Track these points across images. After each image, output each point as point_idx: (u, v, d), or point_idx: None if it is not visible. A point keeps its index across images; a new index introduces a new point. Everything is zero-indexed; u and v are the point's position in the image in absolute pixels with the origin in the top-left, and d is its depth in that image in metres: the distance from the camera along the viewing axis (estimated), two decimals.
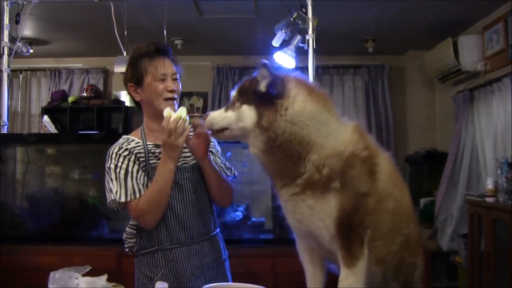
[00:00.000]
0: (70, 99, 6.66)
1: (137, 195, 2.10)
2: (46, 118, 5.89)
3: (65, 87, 6.96)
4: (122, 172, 2.12)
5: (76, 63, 7.05)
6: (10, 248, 3.44)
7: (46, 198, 3.88)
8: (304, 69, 3.93)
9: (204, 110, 6.78)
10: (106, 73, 7.09)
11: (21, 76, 7.04)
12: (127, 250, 2.27)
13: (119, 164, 2.13)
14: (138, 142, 2.22)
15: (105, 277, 1.83)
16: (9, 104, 4.11)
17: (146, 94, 2.22)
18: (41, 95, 7.08)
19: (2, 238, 3.58)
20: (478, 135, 5.30)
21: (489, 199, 4.18)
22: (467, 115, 5.36)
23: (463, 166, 5.36)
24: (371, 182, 1.61)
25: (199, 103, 6.90)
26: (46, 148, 4.05)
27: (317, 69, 3.86)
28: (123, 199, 2.09)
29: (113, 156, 2.16)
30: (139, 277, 2.19)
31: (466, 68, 5.22)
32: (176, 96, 2.22)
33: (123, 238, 2.27)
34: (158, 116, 2.15)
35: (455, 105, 5.61)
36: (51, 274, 1.91)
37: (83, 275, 1.93)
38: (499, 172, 4.21)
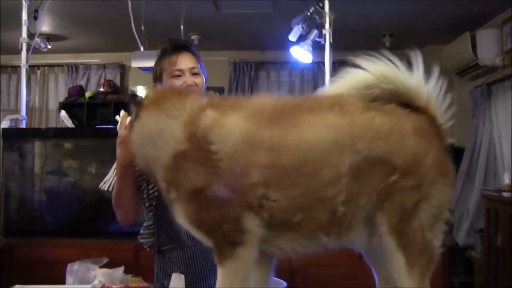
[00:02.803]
0: (87, 94, 6.72)
1: (108, 188, 2.17)
2: (63, 113, 5.94)
3: (82, 82, 7.02)
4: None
5: (93, 59, 7.10)
6: (28, 241, 3.51)
7: (64, 192, 3.92)
8: (321, 64, 3.92)
9: None
10: (123, 69, 7.13)
11: (38, 72, 7.11)
12: (147, 249, 2.27)
13: None
14: None
15: (121, 269, 1.86)
16: (27, 99, 4.16)
17: None
18: (58, 90, 7.15)
19: (21, 231, 3.65)
20: (495, 130, 5.28)
21: (506, 194, 4.17)
22: (484, 110, 5.33)
23: (480, 161, 5.33)
24: (208, 170, 1.45)
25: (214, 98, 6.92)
26: (64, 142, 4.09)
27: (334, 64, 3.86)
28: (105, 188, 2.17)
29: None
30: (158, 272, 2.20)
31: (484, 63, 5.18)
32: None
33: (139, 238, 2.27)
34: None
35: (472, 99, 5.58)
36: (69, 266, 1.95)
37: (100, 267, 1.96)
38: None
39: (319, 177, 1.43)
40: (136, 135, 1.62)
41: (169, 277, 2.12)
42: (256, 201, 1.43)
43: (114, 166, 2.16)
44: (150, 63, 4.06)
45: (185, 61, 2.21)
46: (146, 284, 1.45)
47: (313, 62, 5.59)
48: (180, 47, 2.26)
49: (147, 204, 2.17)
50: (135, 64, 4.17)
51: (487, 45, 5.17)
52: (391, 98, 1.54)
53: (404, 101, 1.54)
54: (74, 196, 3.89)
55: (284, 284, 1.97)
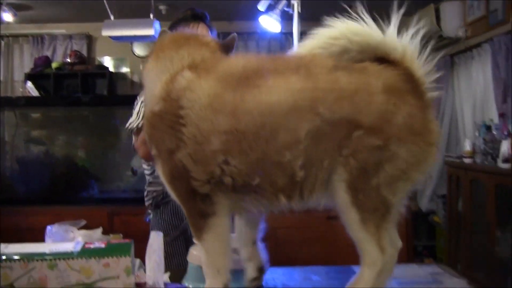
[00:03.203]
0: (54, 65, 6.64)
1: (136, 126, 2.34)
2: (29, 84, 5.91)
3: (48, 53, 6.92)
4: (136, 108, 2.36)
5: (59, 29, 6.99)
6: (3, 209, 3.53)
7: (36, 160, 3.95)
8: (289, 34, 3.96)
9: None
10: (90, 39, 7.04)
11: (3, 42, 6.99)
12: (151, 203, 2.46)
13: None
14: None
15: (100, 230, 1.91)
16: None
17: None
18: (23, 61, 7.03)
19: None
20: (457, 99, 5.45)
21: (467, 160, 4.31)
22: (447, 80, 5.47)
23: (442, 129, 5.49)
24: (176, 135, 1.48)
25: None
26: (35, 111, 4.10)
27: (301, 34, 3.90)
28: (135, 125, 2.34)
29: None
30: (161, 226, 2.40)
31: (448, 34, 5.29)
32: None
33: (145, 194, 2.49)
34: None
35: (436, 70, 5.71)
36: (48, 228, 1.98)
37: (78, 229, 2.01)
38: (477, 134, 4.35)
39: (276, 141, 1.42)
40: (144, 80, 1.66)
41: (175, 228, 2.28)
42: (218, 169, 1.46)
43: (137, 108, 2.37)
44: (122, 32, 4.09)
45: (202, 31, 2.40)
46: (127, 241, 1.51)
47: (281, 33, 5.63)
48: (199, 17, 2.46)
49: None
50: (106, 33, 4.15)
51: (451, 17, 5.28)
52: (364, 54, 1.52)
53: (379, 56, 1.51)
54: (47, 165, 3.92)
55: None
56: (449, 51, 5.44)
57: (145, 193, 2.52)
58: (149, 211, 2.54)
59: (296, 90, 1.44)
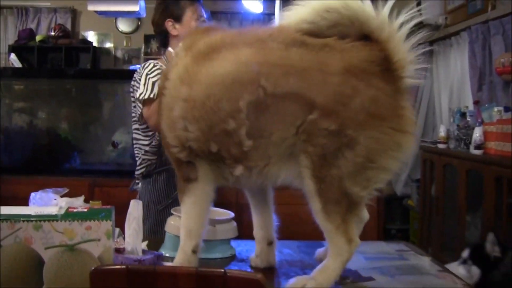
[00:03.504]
0: (38, 38, 6.67)
1: (153, 96, 2.42)
2: (13, 56, 5.93)
3: (32, 26, 6.95)
4: (152, 80, 2.45)
5: (44, 2, 7.01)
6: None
7: (20, 131, 4.02)
8: (272, 15, 4.02)
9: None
10: (74, 13, 7.07)
11: None
12: (141, 173, 2.58)
13: (153, 74, 2.47)
14: None
15: (82, 198, 1.97)
16: None
17: (184, 30, 2.59)
18: (7, 33, 7.03)
19: None
20: (435, 85, 5.56)
21: (441, 146, 4.42)
22: (426, 66, 5.57)
23: (420, 115, 5.60)
24: (161, 103, 1.70)
25: None
26: (20, 83, 4.15)
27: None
28: (146, 96, 2.43)
29: (150, 67, 2.51)
30: (153, 194, 2.54)
31: (428, 22, 5.37)
32: None
33: (139, 163, 2.60)
34: None
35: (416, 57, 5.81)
36: (32, 194, 2.04)
37: (61, 196, 2.08)
38: (451, 121, 4.46)
39: (219, 110, 1.51)
40: None
41: (167, 197, 2.43)
42: (182, 134, 1.59)
43: (143, 80, 2.48)
44: (107, 7, 4.13)
45: (202, 10, 2.66)
46: (108, 207, 1.60)
47: (264, 13, 5.68)
48: None
49: None
50: (92, 7, 4.19)
51: (431, 4, 5.36)
52: (351, 30, 1.51)
53: (366, 33, 1.50)
54: (30, 135, 4.00)
55: (232, 214, 2.15)
56: (429, 38, 5.54)
57: (138, 162, 2.61)
58: (137, 181, 2.64)
59: (243, 63, 1.52)
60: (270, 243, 1.92)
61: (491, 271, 2.72)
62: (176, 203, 2.52)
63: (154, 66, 2.55)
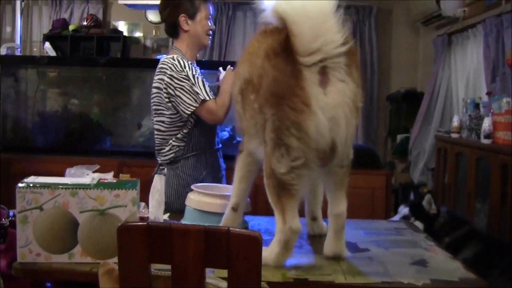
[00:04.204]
0: (71, 27, 6.91)
1: (211, 96, 2.63)
2: (47, 44, 6.18)
3: (65, 15, 7.18)
4: (200, 79, 2.64)
5: None
6: (23, 156, 3.91)
7: (55, 114, 4.30)
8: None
9: None
10: (105, 4, 7.29)
11: (22, 3, 7.27)
12: (169, 159, 2.74)
13: (195, 74, 2.65)
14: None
15: (111, 173, 2.20)
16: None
17: (196, 27, 2.75)
18: (42, 22, 7.30)
19: (17, 148, 4.02)
20: (453, 76, 5.68)
21: (454, 135, 4.56)
22: (444, 58, 5.71)
23: (437, 105, 5.75)
24: None
25: None
26: (55, 70, 4.42)
27: None
28: (207, 98, 2.60)
29: (186, 67, 2.65)
30: (181, 178, 2.72)
31: (446, 14, 5.48)
32: None
33: (168, 148, 2.74)
34: (197, 45, 2.80)
35: (434, 48, 5.95)
36: (67, 170, 2.27)
37: (93, 172, 2.31)
38: (464, 111, 4.61)
39: None
40: None
41: (195, 180, 2.68)
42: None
43: (193, 81, 2.64)
44: (136, 1, 4.37)
45: (212, 9, 2.86)
46: (134, 179, 1.84)
47: None
48: None
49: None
50: (122, 1, 4.40)
51: None
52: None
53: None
54: (65, 119, 4.27)
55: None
56: (448, 30, 5.67)
57: (167, 148, 2.73)
58: (162, 166, 2.78)
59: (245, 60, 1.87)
60: (314, 219, 2.18)
61: (432, 224, 3.17)
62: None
63: (189, 63, 2.69)
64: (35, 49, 7.21)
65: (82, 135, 4.22)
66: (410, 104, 6.33)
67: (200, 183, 2.64)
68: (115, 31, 7.12)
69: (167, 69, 2.64)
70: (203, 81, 2.66)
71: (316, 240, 2.13)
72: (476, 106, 4.41)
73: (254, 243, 1.33)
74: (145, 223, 1.36)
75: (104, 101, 4.44)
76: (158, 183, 2.08)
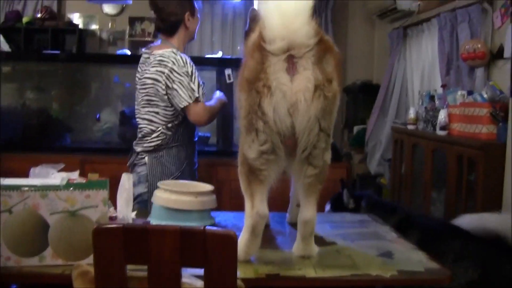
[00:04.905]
0: (25, 19, 6.74)
1: (202, 99, 2.79)
2: (0, 37, 6.03)
3: (18, 8, 6.99)
4: (197, 78, 2.79)
5: None
6: None
7: (14, 111, 4.21)
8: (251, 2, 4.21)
9: (156, 35, 6.98)
10: None
11: None
12: (155, 145, 2.89)
13: (194, 72, 2.80)
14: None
15: (77, 172, 2.17)
16: None
17: (194, 25, 2.96)
18: None
19: None
20: (408, 69, 5.81)
21: (410, 127, 4.68)
22: (399, 50, 5.83)
23: (393, 97, 5.87)
24: None
25: (150, 28, 7.10)
26: (14, 65, 4.33)
27: None
28: (196, 95, 2.75)
29: (188, 63, 2.80)
30: (164, 166, 2.88)
31: (402, 8, 5.56)
32: None
33: (155, 136, 2.89)
34: (187, 40, 3.01)
35: (390, 41, 6.07)
36: (31, 169, 2.23)
37: (58, 171, 2.29)
38: (420, 103, 4.72)
39: None
40: None
41: (177, 169, 2.90)
42: None
43: (192, 79, 2.80)
44: None
45: None
46: (103, 178, 1.83)
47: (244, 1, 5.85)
48: None
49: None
50: None
51: None
52: None
53: None
54: (24, 115, 4.18)
55: (212, 187, 2.39)
56: (403, 24, 5.79)
57: (156, 134, 2.87)
58: (143, 154, 2.92)
59: None
60: (298, 205, 2.15)
61: None
62: (183, 174, 2.92)
63: (190, 60, 2.84)
64: None
65: (41, 132, 4.14)
66: (366, 96, 6.42)
67: (181, 173, 2.88)
68: (70, 23, 6.99)
69: (168, 62, 2.78)
70: (198, 81, 2.80)
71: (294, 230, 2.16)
72: (432, 98, 4.52)
73: (230, 242, 1.36)
74: (121, 225, 1.36)
75: (63, 96, 4.39)
76: (126, 182, 2.08)
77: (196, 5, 2.97)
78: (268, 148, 1.72)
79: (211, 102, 2.94)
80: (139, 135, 2.95)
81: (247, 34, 2.23)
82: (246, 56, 1.79)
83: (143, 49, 3.09)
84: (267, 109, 1.67)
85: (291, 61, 1.68)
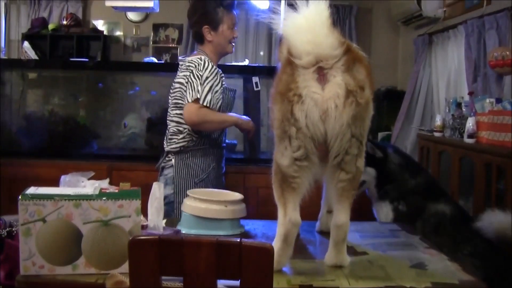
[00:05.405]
0: (50, 26, 6.84)
1: (205, 103, 2.79)
2: (26, 44, 6.09)
3: (44, 14, 7.09)
4: (209, 84, 2.82)
5: None
6: (12, 161, 3.85)
7: (42, 118, 4.24)
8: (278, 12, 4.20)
9: (179, 41, 7.03)
10: (85, 2, 7.22)
11: (1, 3, 7.13)
12: (181, 146, 2.98)
13: (211, 77, 2.84)
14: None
15: (107, 180, 2.19)
16: None
17: (218, 38, 2.96)
18: (20, 21, 7.20)
19: (5, 153, 3.94)
20: (433, 76, 5.74)
21: (437, 134, 4.62)
22: (425, 57, 5.77)
23: (418, 104, 5.82)
24: None
25: (174, 34, 7.15)
26: (42, 72, 4.37)
27: (289, 6, 4.12)
28: (198, 96, 2.79)
29: (209, 67, 2.87)
30: (190, 168, 2.96)
31: (427, 14, 5.55)
32: None
33: (182, 137, 2.98)
34: (220, 53, 3.04)
35: (415, 47, 6.01)
36: (62, 177, 2.25)
37: (88, 179, 2.30)
38: (447, 111, 4.67)
39: None
40: None
41: (203, 171, 2.98)
42: None
43: (202, 81, 2.85)
44: (124, 3, 4.35)
45: (236, 19, 3.06)
46: (136, 188, 1.84)
47: (271, 8, 5.82)
48: (235, 6, 3.05)
49: None
50: (110, 3, 4.37)
51: None
52: None
53: None
54: (51, 122, 4.22)
55: (241, 196, 2.39)
56: (428, 30, 5.74)
57: (182, 136, 2.96)
58: (170, 156, 3.01)
59: None
60: (329, 211, 2.22)
61: (383, 167, 3.21)
62: (209, 177, 2.99)
63: (212, 68, 2.89)
64: (15, 50, 7.10)
65: (68, 139, 4.17)
66: (390, 103, 6.37)
67: (207, 176, 2.95)
68: (95, 30, 7.07)
69: (193, 66, 2.88)
70: (212, 88, 2.84)
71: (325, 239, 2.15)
72: (458, 105, 4.47)
73: (266, 254, 1.35)
74: (156, 237, 1.36)
75: (90, 103, 4.42)
76: (157, 191, 2.08)
77: (229, 18, 2.98)
78: (301, 155, 1.74)
79: (216, 113, 2.93)
80: (168, 136, 3.04)
81: (281, 40, 2.21)
82: (279, 70, 1.82)
83: (181, 57, 3.20)
84: (298, 115, 1.70)
85: (321, 72, 1.72)
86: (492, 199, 3.56)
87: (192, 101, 2.80)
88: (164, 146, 3.06)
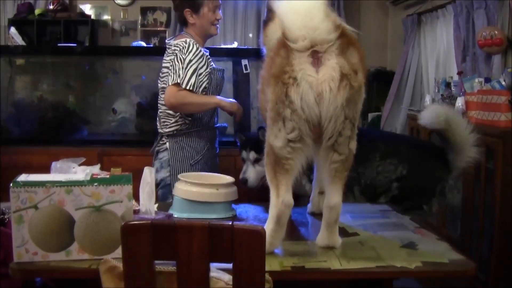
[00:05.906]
0: (37, 11, 6.75)
1: (188, 86, 2.79)
2: (13, 29, 6.06)
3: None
4: (193, 67, 2.81)
5: None
6: (1, 149, 3.81)
7: (31, 104, 4.22)
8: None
9: (168, 25, 6.99)
10: None
11: None
12: (174, 130, 3.00)
13: (194, 59, 2.83)
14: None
15: (98, 166, 2.18)
16: None
17: (200, 21, 2.95)
18: (6, 7, 7.10)
19: None
20: (423, 56, 5.75)
21: None
22: (414, 37, 5.77)
23: (408, 84, 5.83)
24: None
25: (162, 17, 7.10)
26: (30, 59, 4.33)
27: None
28: (178, 81, 2.78)
29: (194, 50, 2.86)
30: (185, 150, 2.99)
31: None
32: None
33: (174, 120, 2.99)
34: (204, 35, 3.03)
35: (404, 27, 6.01)
36: (53, 164, 2.24)
37: (79, 165, 2.29)
38: (436, 91, 4.68)
39: None
40: None
41: (198, 153, 3.00)
42: None
43: (184, 65, 2.84)
44: None
45: (219, 1, 3.02)
46: (127, 173, 1.84)
47: None
48: None
49: None
50: None
51: None
52: None
53: None
54: (41, 109, 4.19)
55: (233, 179, 2.40)
56: (417, 10, 5.73)
57: (174, 119, 2.97)
58: (164, 140, 3.02)
59: None
60: (321, 193, 2.25)
61: None
62: (204, 159, 3.02)
63: (196, 50, 2.87)
64: (11, 37, 7.00)
65: (58, 125, 4.14)
66: (380, 83, 6.39)
67: (202, 157, 2.99)
68: (82, 14, 7.00)
69: (178, 50, 2.88)
70: (196, 70, 2.82)
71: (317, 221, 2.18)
72: (448, 85, 4.48)
73: (258, 237, 1.36)
74: (149, 221, 1.37)
75: (80, 89, 4.39)
76: (148, 176, 2.08)
77: (210, 1, 2.96)
78: (295, 136, 1.76)
79: (197, 95, 2.89)
80: (162, 119, 3.04)
81: (265, 24, 2.21)
82: (272, 53, 1.82)
83: (167, 40, 3.18)
84: (294, 98, 1.72)
85: (315, 55, 1.73)
86: (481, 179, 3.58)
87: (173, 84, 2.81)
88: (158, 128, 3.07)
